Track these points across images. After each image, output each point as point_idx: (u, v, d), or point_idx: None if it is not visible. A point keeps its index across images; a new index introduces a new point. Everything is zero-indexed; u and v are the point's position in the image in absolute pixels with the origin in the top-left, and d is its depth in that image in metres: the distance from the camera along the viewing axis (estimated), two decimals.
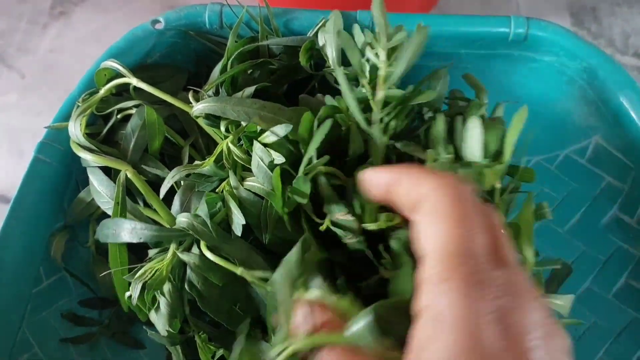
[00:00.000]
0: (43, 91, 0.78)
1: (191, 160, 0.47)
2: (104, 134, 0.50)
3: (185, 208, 0.42)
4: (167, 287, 0.39)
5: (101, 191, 0.45)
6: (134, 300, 0.40)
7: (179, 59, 0.58)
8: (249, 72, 0.52)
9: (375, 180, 0.32)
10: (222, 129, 0.42)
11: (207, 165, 0.40)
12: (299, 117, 0.41)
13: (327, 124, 0.38)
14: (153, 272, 0.38)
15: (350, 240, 0.37)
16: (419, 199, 0.27)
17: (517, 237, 0.38)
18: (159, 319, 0.40)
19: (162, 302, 0.39)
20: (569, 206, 0.56)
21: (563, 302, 0.38)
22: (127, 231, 0.39)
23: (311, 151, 0.37)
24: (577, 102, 0.55)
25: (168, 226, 0.42)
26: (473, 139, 0.37)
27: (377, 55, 0.41)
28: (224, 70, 0.50)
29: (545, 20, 0.52)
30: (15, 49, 0.81)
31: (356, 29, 0.44)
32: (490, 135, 0.39)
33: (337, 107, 0.42)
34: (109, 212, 0.45)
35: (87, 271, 0.53)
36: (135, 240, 0.39)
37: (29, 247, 0.49)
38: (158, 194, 0.44)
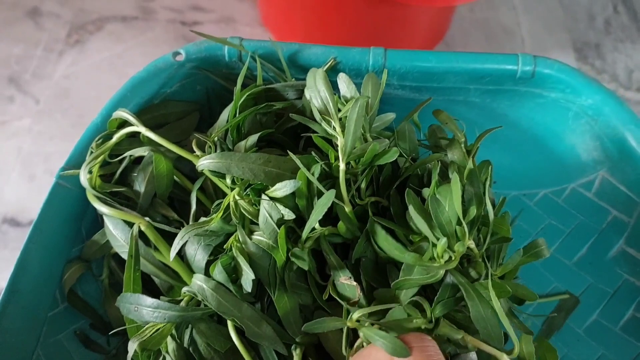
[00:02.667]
0: (56, 117, 0.79)
1: (200, 204, 0.48)
2: (118, 176, 0.51)
3: (197, 262, 0.43)
4: (172, 345, 0.40)
5: (116, 235, 0.46)
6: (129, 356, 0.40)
7: (197, 89, 0.58)
8: (257, 117, 0.53)
9: None
10: (228, 181, 0.43)
11: (214, 222, 0.41)
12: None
13: (329, 195, 0.38)
14: (153, 331, 0.39)
15: (350, 307, 0.38)
16: None
17: None
18: None
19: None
20: (577, 239, 0.56)
21: None
22: (149, 310, 0.39)
23: (313, 222, 0.38)
24: (583, 137, 0.55)
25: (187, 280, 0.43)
26: (449, 205, 0.37)
27: (333, 128, 0.41)
28: (234, 114, 0.51)
29: (551, 58, 0.51)
30: (31, 74, 0.82)
31: (343, 76, 0.44)
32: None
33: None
34: (124, 256, 0.46)
35: (99, 299, 0.54)
36: (159, 321, 0.39)
37: (47, 271, 0.50)
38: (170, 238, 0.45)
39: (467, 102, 0.56)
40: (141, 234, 0.45)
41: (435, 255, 0.37)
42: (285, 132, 0.53)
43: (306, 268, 0.39)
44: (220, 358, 0.40)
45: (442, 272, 0.37)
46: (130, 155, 0.51)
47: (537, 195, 0.57)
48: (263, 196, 0.41)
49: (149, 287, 0.48)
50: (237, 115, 0.50)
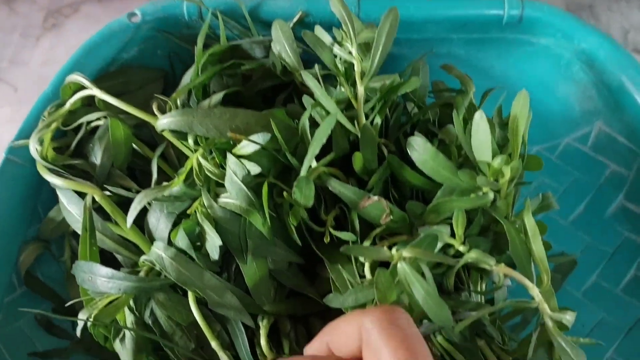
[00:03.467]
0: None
1: (162, 173, 0.44)
2: (73, 147, 0.46)
3: (159, 232, 0.39)
4: (130, 319, 0.36)
5: (71, 210, 0.42)
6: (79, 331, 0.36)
7: (158, 54, 0.54)
8: (223, 79, 0.48)
9: (316, 350, 0.32)
10: (191, 142, 0.39)
11: (176, 185, 0.37)
12: (277, 122, 0.38)
13: (332, 117, 0.34)
14: (107, 303, 0.35)
15: (386, 220, 0.35)
16: (361, 340, 0.28)
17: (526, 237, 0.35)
18: (124, 352, 0.37)
19: (127, 334, 0.36)
20: (572, 197, 0.52)
21: (568, 317, 0.34)
22: (104, 280, 0.36)
23: (315, 150, 0.34)
24: (576, 86, 0.51)
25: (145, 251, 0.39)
26: (481, 136, 0.33)
27: (349, 52, 0.37)
28: (196, 74, 0.47)
29: (540, 1, 0.47)
30: (8, 62, 0.78)
31: (318, 28, 0.40)
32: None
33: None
34: (80, 232, 0.42)
35: (62, 281, 0.49)
36: (114, 292, 0.36)
37: (1, 254, 0.46)
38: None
39: (451, 54, 0.52)
40: (99, 209, 0.41)
41: (488, 176, 0.33)
42: (256, 95, 0.49)
43: (310, 204, 0.35)
44: (182, 332, 0.36)
45: (491, 195, 0.33)
46: (87, 125, 0.47)
47: (530, 150, 0.54)
48: (229, 155, 0.37)
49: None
50: (201, 74, 0.46)
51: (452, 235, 0.35)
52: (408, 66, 0.43)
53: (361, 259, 0.36)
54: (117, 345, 0.38)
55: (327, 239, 0.36)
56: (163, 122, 0.38)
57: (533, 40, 0.50)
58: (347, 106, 0.40)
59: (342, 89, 0.40)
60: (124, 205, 0.44)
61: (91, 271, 0.37)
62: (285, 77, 0.49)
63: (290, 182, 0.38)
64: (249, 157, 0.36)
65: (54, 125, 0.44)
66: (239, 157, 0.37)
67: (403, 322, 0.28)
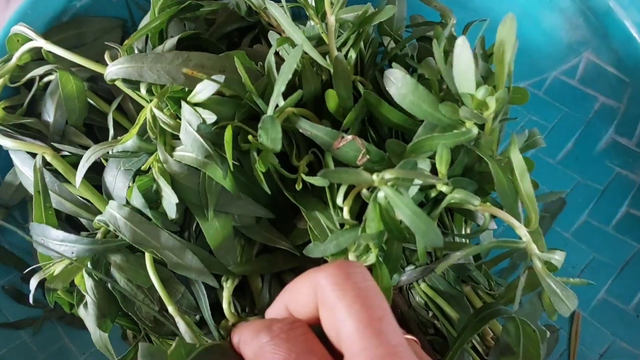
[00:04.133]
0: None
1: (120, 128, 0.41)
2: (26, 105, 0.43)
3: (117, 190, 0.36)
4: (89, 283, 0.34)
5: (25, 172, 0.39)
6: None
7: (113, 2, 0.50)
8: (185, 25, 0.45)
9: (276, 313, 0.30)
10: (143, 91, 0.35)
11: (128, 139, 0.34)
12: (234, 64, 0.34)
13: (299, 49, 0.31)
14: (61, 267, 0.32)
15: (363, 160, 0.32)
16: (317, 298, 0.27)
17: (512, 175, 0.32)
18: (88, 318, 0.35)
19: (88, 300, 0.34)
20: (561, 134, 0.49)
21: (557, 256, 0.32)
22: (56, 243, 0.34)
23: (280, 87, 0.31)
24: (562, 15, 0.47)
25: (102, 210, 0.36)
26: (463, 65, 0.30)
27: None
28: (152, 19, 0.43)
29: None
30: None
31: None
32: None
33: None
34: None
35: (28, 248, 0.47)
36: (68, 255, 0.33)
37: None
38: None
39: None
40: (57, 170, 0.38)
41: (470, 107, 0.30)
42: (221, 40, 0.45)
43: (278, 149, 0.32)
44: (144, 294, 0.34)
45: (475, 130, 0.31)
46: (40, 81, 0.43)
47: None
48: (183, 104, 0.33)
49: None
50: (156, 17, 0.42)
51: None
52: None
53: (339, 202, 0.33)
54: (81, 312, 0.36)
55: (299, 186, 0.34)
56: (111, 71, 0.34)
57: None
58: (318, 42, 0.37)
59: (313, 24, 0.36)
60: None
61: (43, 234, 0.35)
62: (250, 18, 0.45)
63: (255, 126, 0.35)
64: (204, 105, 0.33)
65: (0, 83, 0.40)
66: (194, 105, 0.33)
67: (358, 276, 0.26)
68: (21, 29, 0.40)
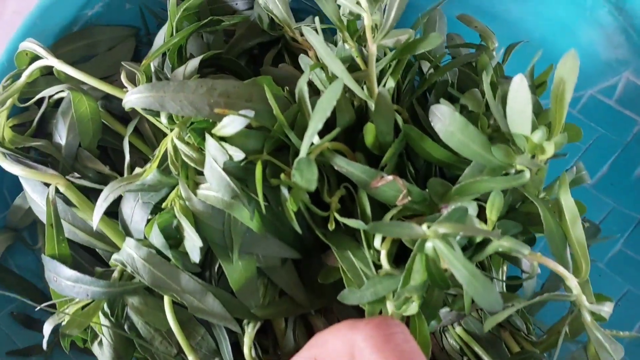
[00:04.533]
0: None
1: (136, 151, 0.38)
2: (35, 124, 0.40)
3: (134, 224, 0.33)
4: (106, 323, 0.32)
5: (35, 199, 0.37)
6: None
7: (126, 9, 0.47)
8: (202, 37, 0.42)
9: None
10: (164, 120, 0.33)
11: (148, 174, 0.31)
12: (262, 93, 0.32)
13: (339, 83, 0.28)
14: (77, 309, 0.30)
15: (404, 201, 0.30)
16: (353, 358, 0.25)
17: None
18: (102, 357, 0.33)
19: (104, 340, 0.32)
20: (595, 156, 0.47)
21: (607, 308, 0.30)
22: (70, 284, 0.31)
23: (317, 125, 0.28)
24: (603, 31, 0.45)
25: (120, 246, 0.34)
26: (519, 105, 0.27)
27: (357, 1, 0.31)
28: (170, 34, 0.40)
29: None
30: None
31: None
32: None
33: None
34: None
35: (38, 271, 0.45)
36: (82, 297, 0.31)
37: None
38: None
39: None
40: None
41: (526, 152, 0.28)
42: (240, 57, 0.43)
43: (313, 188, 0.30)
44: (162, 337, 0.32)
45: (528, 174, 0.28)
46: (49, 99, 0.41)
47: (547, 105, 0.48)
48: (208, 137, 0.31)
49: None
50: (175, 35, 0.40)
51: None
52: (422, 16, 0.36)
53: (376, 245, 0.31)
54: (95, 349, 0.34)
55: (332, 226, 0.31)
56: (130, 100, 0.32)
57: None
58: (350, 66, 0.34)
59: (346, 47, 0.34)
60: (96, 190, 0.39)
61: (56, 271, 0.33)
62: (273, 33, 0.43)
63: (284, 158, 0.32)
64: (231, 139, 0.30)
65: (9, 103, 0.38)
66: (219, 138, 0.31)
67: (399, 338, 0.25)
68: (31, 45, 0.38)
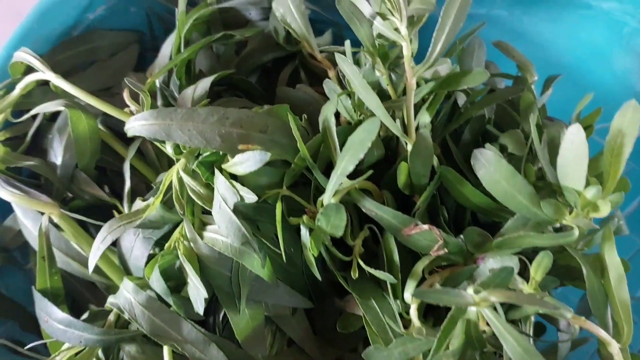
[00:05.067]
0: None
1: (137, 174, 0.35)
2: (29, 140, 0.37)
3: (134, 259, 0.31)
4: None
5: (27, 225, 0.34)
6: None
7: (131, 12, 0.44)
8: (212, 48, 0.39)
9: None
10: (169, 150, 0.30)
11: (151, 212, 0.28)
12: (279, 123, 0.29)
13: (375, 122, 0.25)
14: (70, 355, 0.28)
15: (439, 252, 0.27)
16: None
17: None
18: None
19: None
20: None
21: None
22: (61, 328, 0.29)
23: (348, 166, 0.26)
24: (638, 58, 0.42)
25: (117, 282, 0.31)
26: (572, 158, 0.25)
27: (395, 28, 0.28)
28: (178, 47, 0.37)
29: None
30: None
31: None
32: None
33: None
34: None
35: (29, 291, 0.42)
36: (74, 344, 0.28)
37: None
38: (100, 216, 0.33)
39: (491, 16, 0.42)
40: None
41: (577, 208, 0.25)
42: (254, 71, 0.39)
43: (339, 233, 0.27)
44: None
45: (577, 232, 0.26)
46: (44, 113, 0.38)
47: None
48: (217, 174, 0.28)
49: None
50: (183, 47, 0.37)
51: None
52: (458, 41, 0.33)
53: (406, 298, 0.28)
54: None
55: (355, 274, 0.28)
56: (133, 127, 0.29)
57: (593, 3, 0.40)
58: (377, 93, 0.31)
59: (377, 73, 0.31)
60: (95, 210, 0.36)
61: (47, 311, 0.30)
62: (289, 47, 0.39)
63: (302, 193, 0.30)
64: (244, 176, 0.28)
65: (1, 118, 0.35)
66: (230, 175, 0.28)
67: None
68: (25, 56, 0.34)
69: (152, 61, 0.44)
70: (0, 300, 0.40)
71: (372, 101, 0.26)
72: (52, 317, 0.29)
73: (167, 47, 0.38)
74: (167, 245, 0.29)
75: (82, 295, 0.36)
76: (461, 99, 0.32)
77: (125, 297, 0.28)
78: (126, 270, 0.31)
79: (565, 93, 0.42)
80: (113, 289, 0.34)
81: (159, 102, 0.35)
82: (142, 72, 0.42)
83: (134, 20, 0.44)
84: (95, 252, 0.28)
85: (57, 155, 0.35)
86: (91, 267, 0.28)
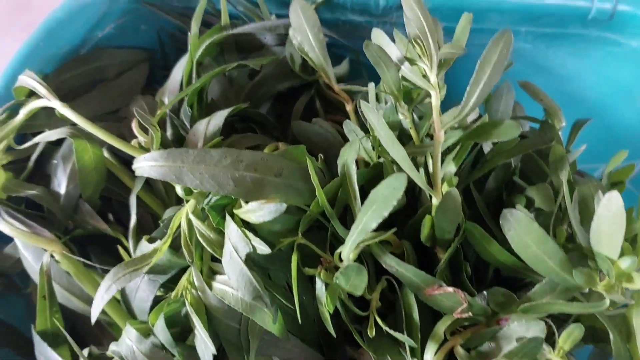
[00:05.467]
0: (15, 34, 0.63)
1: (143, 205, 0.34)
2: (32, 165, 0.36)
3: (138, 301, 0.29)
4: None
5: (28, 258, 0.33)
6: None
7: (142, 30, 0.42)
8: (225, 73, 0.37)
9: None
10: (179, 191, 0.29)
11: (159, 257, 0.27)
12: (295, 166, 0.28)
13: (402, 178, 0.24)
14: None
15: (462, 315, 0.25)
16: None
17: None
18: None
19: None
20: None
21: None
22: None
23: (369, 224, 0.24)
24: None
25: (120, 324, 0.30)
26: (608, 226, 0.23)
27: (423, 75, 0.26)
28: (191, 70, 0.36)
29: None
30: None
31: (378, 34, 0.28)
32: None
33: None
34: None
35: (25, 312, 0.41)
36: None
37: None
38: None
39: (514, 49, 0.40)
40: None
41: (610, 277, 0.24)
42: (268, 100, 0.38)
43: (359, 293, 0.26)
44: None
45: (608, 302, 0.24)
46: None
47: (594, 172, 0.44)
48: (229, 220, 0.27)
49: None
50: (195, 73, 0.35)
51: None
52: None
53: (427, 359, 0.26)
54: None
55: (372, 332, 0.27)
56: (142, 168, 0.27)
57: (622, 40, 0.39)
58: (398, 135, 0.30)
59: (400, 116, 0.29)
60: (98, 239, 0.35)
61: (47, 357, 0.28)
62: (305, 76, 0.38)
63: (317, 239, 0.28)
64: (260, 225, 0.26)
65: (4, 144, 0.33)
66: (245, 222, 0.27)
67: None
68: (30, 82, 0.33)
69: (161, 80, 0.42)
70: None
71: (397, 153, 0.25)
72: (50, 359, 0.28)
73: (178, 72, 0.37)
74: (174, 294, 0.27)
75: (83, 330, 0.34)
76: (487, 145, 0.31)
77: (128, 344, 0.27)
78: (129, 311, 0.30)
79: (588, 130, 0.41)
80: (115, 326, 0.33)
81: (169, 131, 0.34)
82: (150, 93, 0.40)
83: (144, 38, 0.43)
84: (99, 302, 0.26)
85: (60, 184, 0.33)
86: (94, 317, 0.27)
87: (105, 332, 0.35)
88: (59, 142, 0.36)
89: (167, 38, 0.43)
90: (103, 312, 0.32)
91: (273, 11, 0.40)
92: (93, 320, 0.27)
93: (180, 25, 0.42)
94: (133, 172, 0.35)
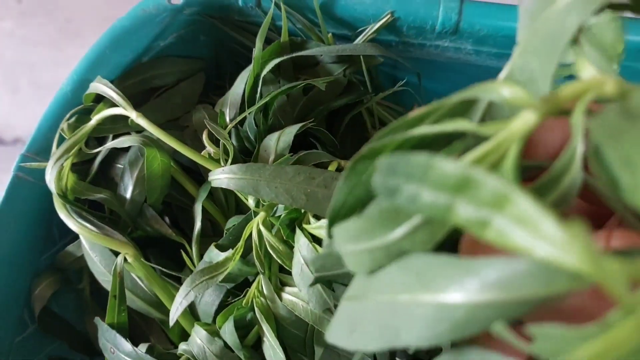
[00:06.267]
0: (41, 20, 0.64)
1: (205, 213, 0.35)
2: (97, 167, 0.37)
3: (203, 305, 0.31)
4: None
5: (95, 259, 0.34)
6: None
7: (201, 40, 0.44)
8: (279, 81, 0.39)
9: None
10: (252, 202, 0.30)
11: (233, 266, 0.29)
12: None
13: None
14: None
15: None
16: None
17: None
18: None
19: None
20: None
21: None
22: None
23: None
24: None
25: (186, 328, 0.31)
26: None
27: None
28: (253, 84, 0.37)
29: None
30: None
31: None
32: None
33: None
34: (106, 285, 0.34)
35: (78, 310, 0.42)
36: None
37: (10, 288, 0.38)
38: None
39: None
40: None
41: None
42: (325, 117, 0.40)
43: None
44: None
45: None
46: (114, 137, 0.38)
47: None
48: (299, 233, 0.28)
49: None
50: (260, 88, 0.37)
51: None
52: None
53: None
54: None
55: None
56: (219, 179, 0.29)
57: None
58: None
59: None
60: (157, 241, 0.37)
61: (114, 343, 0.30)
62: (357, 96, 0.39)
63: None
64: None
65: (75, 149, 0.35)
66: (312, 236, 0.28)
67: None
68: (105, 90, 0.34)
69: (215, 89, 0.44)
70: (54, 320, 0.40)
71: None
72: (119, 349, 0.29)
73: (240, 85, 0.38)
74: (245, 301, 0.29)
75: (137, 326, 0.36)
76: None
77: (199, 344, 0.29)
78: (192, 313, 0.32)
79: None
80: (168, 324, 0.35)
81: (233, 142, 0.35)
82: (205, 102, 0.42)
83: (202, 49, 0.44)
84: (178, 307, 0.28)
85: (127, 189, 0.35)
86: (172, 321, 0.28)
87: (152, 328, 0.36)
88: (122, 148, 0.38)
89: (223, 50, 0.45)
90: (160, 310, 0.34)
91: (329, 29, 0.41)
92: (171, 323, 0.28)
93: (237, 38, 0.43)
94: (193, 179, 0.37)
